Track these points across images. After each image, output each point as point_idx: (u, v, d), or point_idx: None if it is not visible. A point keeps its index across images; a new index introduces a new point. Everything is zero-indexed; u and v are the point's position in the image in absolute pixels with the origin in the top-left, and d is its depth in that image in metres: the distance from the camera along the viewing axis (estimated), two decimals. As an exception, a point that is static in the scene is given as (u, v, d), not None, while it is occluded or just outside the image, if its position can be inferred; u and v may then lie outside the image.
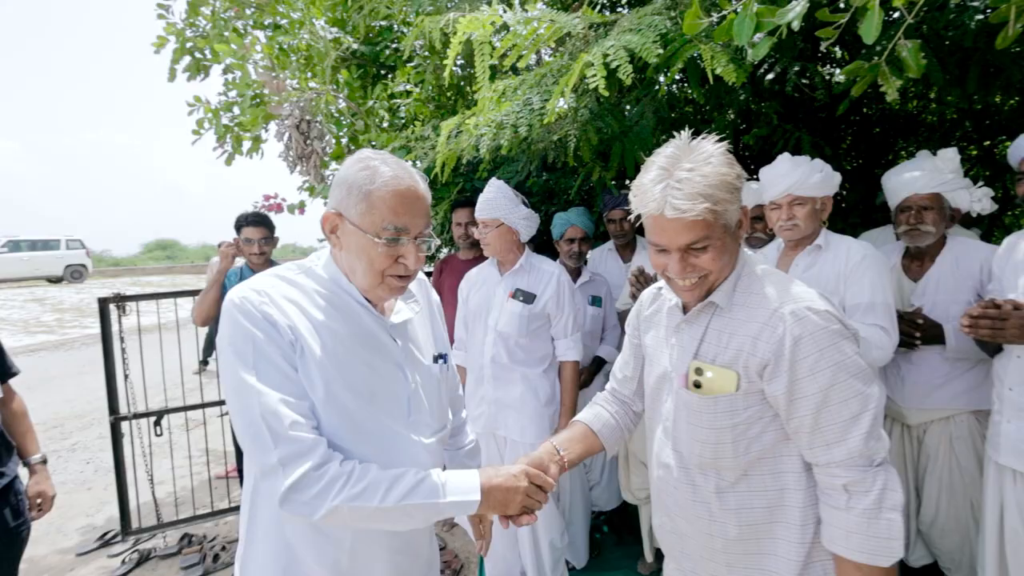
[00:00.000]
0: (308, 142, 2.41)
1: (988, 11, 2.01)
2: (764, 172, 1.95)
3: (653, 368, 1.16)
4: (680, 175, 0.91)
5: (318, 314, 0.95)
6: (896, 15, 2.04)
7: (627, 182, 3.46)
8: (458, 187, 3.01)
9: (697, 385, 1.01)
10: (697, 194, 0.89)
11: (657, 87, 2.71)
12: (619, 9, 3.30)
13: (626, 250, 2.78)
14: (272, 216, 2.84)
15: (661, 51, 1.63)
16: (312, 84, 2.83)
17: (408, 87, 3.13)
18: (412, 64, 3.11)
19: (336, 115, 3.11)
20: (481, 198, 2.13)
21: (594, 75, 1.57)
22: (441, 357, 1.17)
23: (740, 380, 0.97)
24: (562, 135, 2.47)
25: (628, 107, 2.81)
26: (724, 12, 1.38)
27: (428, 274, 3.57)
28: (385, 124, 3.17)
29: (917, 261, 1.93)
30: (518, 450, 2.19)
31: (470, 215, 2.85)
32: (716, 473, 1.03)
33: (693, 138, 0.97)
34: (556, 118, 2.76)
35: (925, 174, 1.83)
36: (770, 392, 0.96)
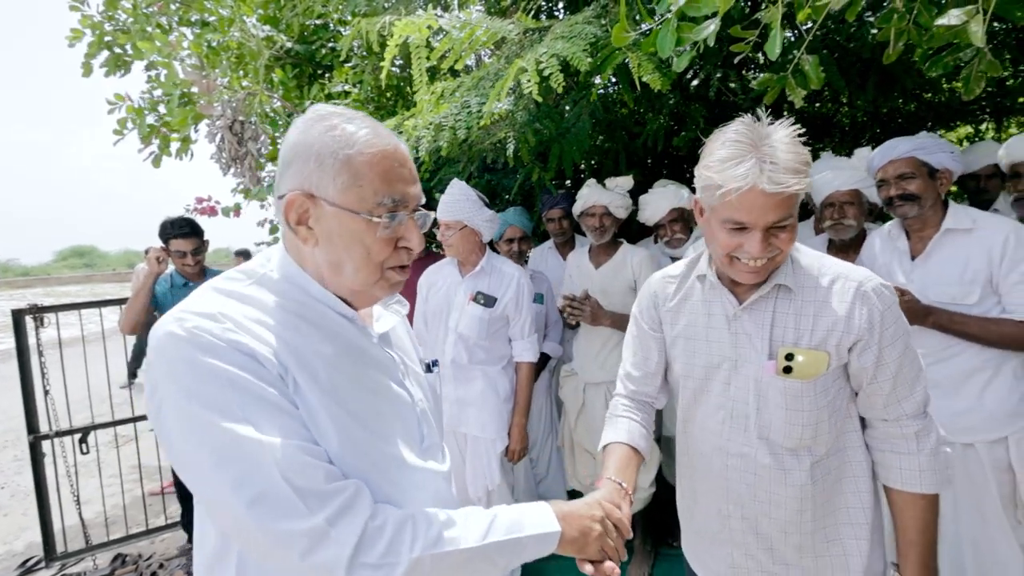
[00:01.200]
0: (242, 143, 2.30)
1: (880, 28, 2.20)
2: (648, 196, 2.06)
3: (693, 358, 1.12)
4: (772, 152, 0.89)
5: (292, 336, 0.71)
6: (808, 25, 2.19)
7: (566, 182, 3.54)
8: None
9: (787, 370, 1.00)
10: (794, 169, 0.88)
11: (588, 92, 2.78)
12: (556, 14, 3.36)
13: (565, 248, 2.84)
14: (206, 220, 2.69)
15: (591, 59, 1.68)
16: (244, 83, 2.70)
17: (346, 87, 3.05)
18: (350, 64, 3.03)
19: (271, 115, 2.98)
20: (443, 200, 2.11)
21: (528, 80, 1.59)
22: (433, 363, 1.00)
23: (831, 359, 0.99)
24: (501, 137, 2.50)
25: (568, 108, 2.87)
26: (649, 26, 1.44)
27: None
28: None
29: (842, 253, 2.05)
30: (479, 446, 2.21)
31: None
32: (809, 451, 1.02)
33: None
34: (495, 120, 2.78)
35: (845, 172, 1.94)
36: (859, 365, 1.00)
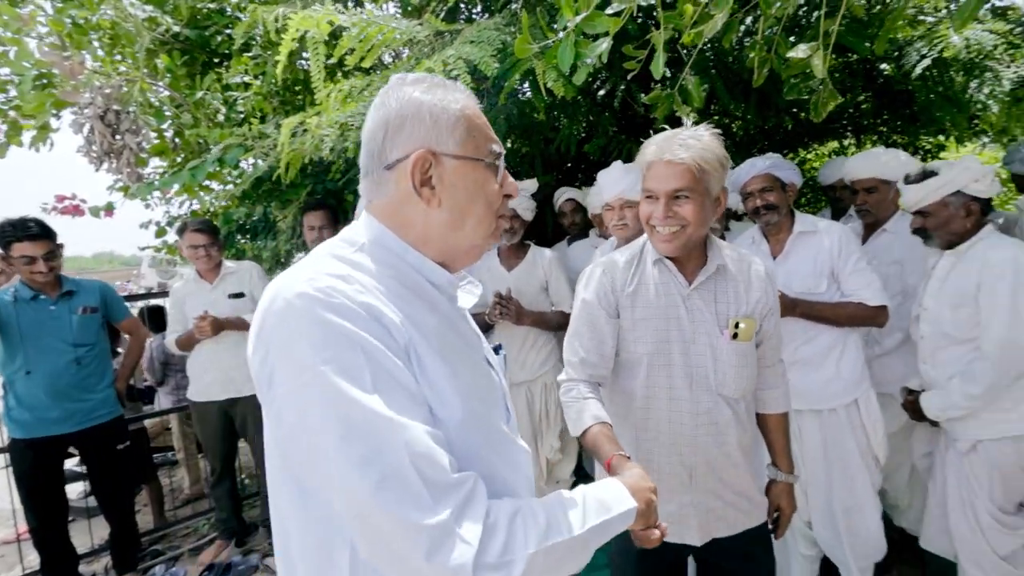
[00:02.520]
0: (118, 136, 2.10)
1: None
2: (600, 176, 2.17)
3: (656, 335, 1.28)
4: (682, 138, 1.17)
5: (406, 305, 0.69)
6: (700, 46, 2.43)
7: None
8: (307, 189, 2.87)
9: (735, 336, 1.25)
10: (688, 146, 1.15)
11: (499, 95, 2.87)
12: (476, 16, 3.42)
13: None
14: (69, 221, 2.42)
15: (498, 64, 1.75)
16: (122, 69, 2.46)
17: (247, 79, 2.89)
18: (251, 55, 2.87)
19: (157, 106, 2.75)
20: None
21: (434, 84, 1.63)
22: (498, 347, 1.00)
23: (757, 323, 1.28)
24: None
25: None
26: (550, 40, 1.53)
27: (279, 281, 3.34)
28: (220, 118, 2.89)
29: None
30: None
31: (324, 218, 2.73)
32: (744, 398, 1.31)
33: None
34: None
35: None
36: (766, 328, 1.32)
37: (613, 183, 2.07)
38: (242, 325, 2.67)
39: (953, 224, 1.71)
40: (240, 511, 3.05)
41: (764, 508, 1.38)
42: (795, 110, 3.74)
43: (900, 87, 3.04)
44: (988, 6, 2.45)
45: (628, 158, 3.09)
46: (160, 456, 4.15)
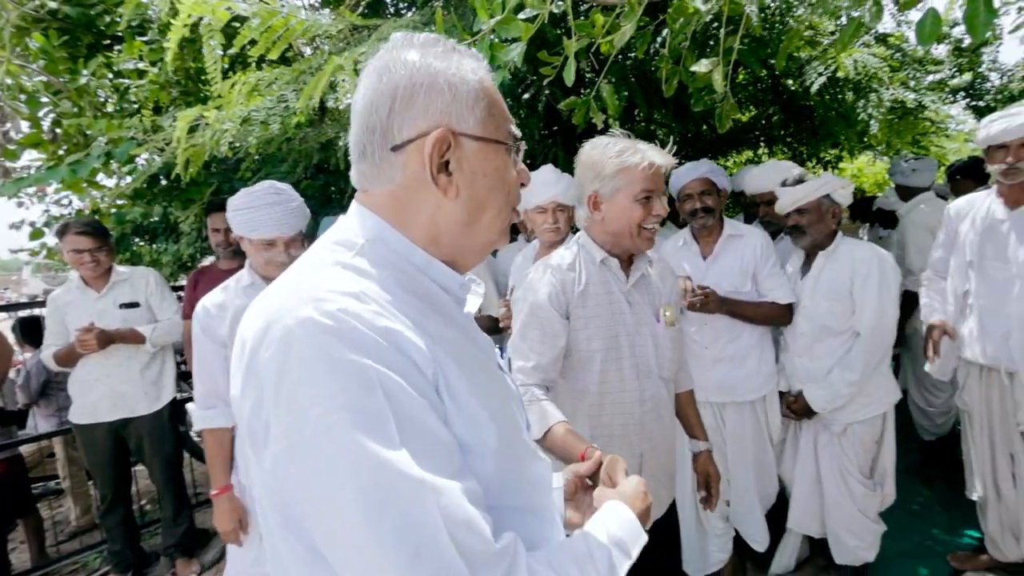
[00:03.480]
0: (-23, 123, 1.85)
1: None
2: (532, 178, 2.18)
3: (606, 331, 1.36)
4: (650, 145, 1.32)
5: (423, 320, 0.59)
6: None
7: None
8: (212, 188, 2.68)
9: (669, 323, 1.41)
10: (666, 156, 1.34)
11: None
12: (403, 12, 3.35)
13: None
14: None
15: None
16: (-17, 47, 2.18)
17: (140, 65, 2.66)
18: (145, 39, 2.65)
19: (31, 91, 2.46)
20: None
21: (345, 79, 1.56)
22: (503, 349, 1.00)
23: (676, 308, 1.47)
24: (331, 136, 2.41)
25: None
26: (467, 42, 1.52)
27: (179, 288, 3.10)
28: (109, 108, 2.64)
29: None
30: None
31: (232, 219, 2.57)
32: (672, 378, 1.48)
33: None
34: (334, 118, 2.66)
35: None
36: (677, 311, 1.50)
37: (546, 186, 2.08)
38: (134, 338, 2.44)
39: (823, 223, 1.94)
40: (137, 541, 2.79)
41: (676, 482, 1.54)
42: (711, 120, 3.98)
43: (803, 102, 3.31)
44: (872, 33, 2.72)
45: (557, 162, 3.15)
46: (41, 486, 3.71)
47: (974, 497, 2.11)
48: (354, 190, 0.67)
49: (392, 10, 3.36)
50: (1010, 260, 1.92)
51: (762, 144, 4.62)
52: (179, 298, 2.83)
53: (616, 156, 1.28)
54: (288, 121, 1.67)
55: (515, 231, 3.06)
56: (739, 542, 2.19)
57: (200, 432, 1.68)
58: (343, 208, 2.93)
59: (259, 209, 1.54)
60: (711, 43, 2.55)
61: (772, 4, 1.98)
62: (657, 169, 1.28)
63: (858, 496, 1.97)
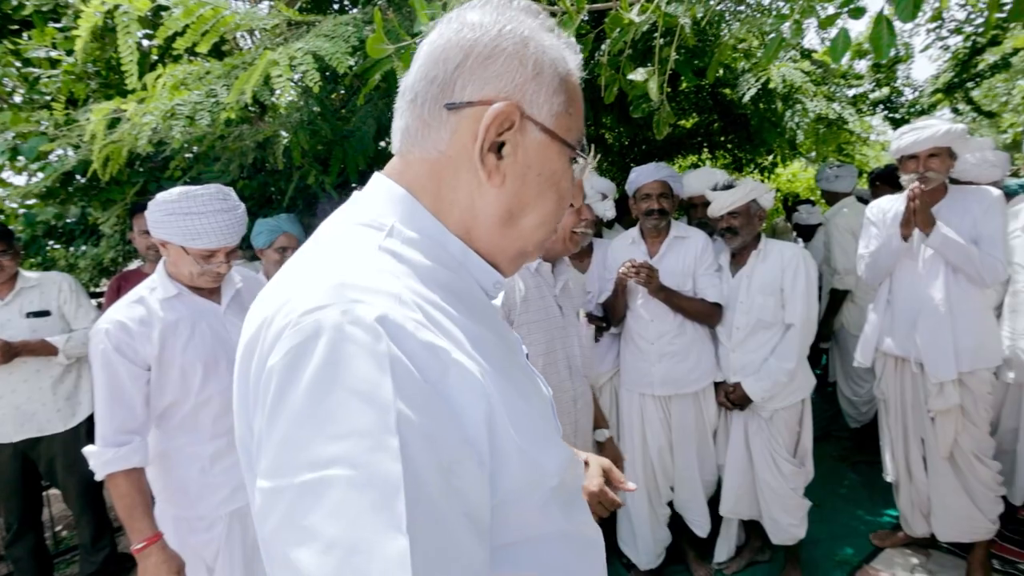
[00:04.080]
0: None
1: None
2: None
3: (544, 335, 1.42)
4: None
5: (471, 327, 0.50)
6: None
7: (355, 186, 3.47)
8: (137, 187, 2.53)
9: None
10: None
11: (371, 95, 2.79)
12: (348, 9, 3.28)
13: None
14: None
15: (354, 62, 1.69)
16: None
17: (55, 54, 2.48)
18: (59, 26, 2.47)
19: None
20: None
21: (280, 76, 1.52)
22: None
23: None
24: (268, 134, 2.33)
25: (345, 110, 2.81)
26: (408, 42, 1.51)
27: (98, 295, 2.89)
28: (17, 99, 2.44)
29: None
30: None
31: (159, 220, 2.44)
32: None
33: None
34: (269, 116, 2.57)
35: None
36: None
37: None
38: (44, 350, 2.26)
39: (752, 225, 2.12)
40: (51, 571, 2.57)
41: None
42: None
43: (739, 111, 3.51)
44: (798, 49, 2.92)
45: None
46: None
47: (889, 479, 2.30)
48: (296, 192, 0.61)
49: (337, 7, 3.29)
50: (917, 258, 2.10)
51: (705, 149, 4.84)
52: (99, 305, 2.65)
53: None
54: (218, 116, 1.61)
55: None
56: (682, 529, 2.32)
57: (107, 478, 1.35)
58: (283, 209, 2.81)
59: (204, 216, 1.36)
60: (651, 52, 2.66)
61: (705, 18, 2.08)
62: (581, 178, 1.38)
63: (788, 475, 2.13)
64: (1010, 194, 2.71)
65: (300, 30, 2.12)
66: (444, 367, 0.43)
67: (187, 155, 2.43)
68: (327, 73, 2.19)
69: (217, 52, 2.46)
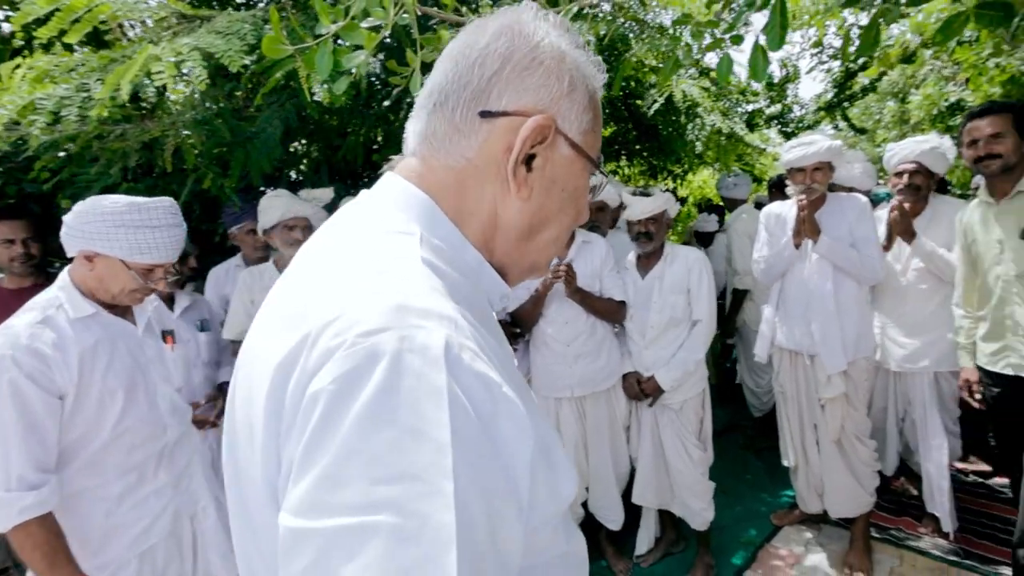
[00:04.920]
0: None
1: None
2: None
3: None
4: None
5: (499, 352, 0.49)
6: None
7: (264, 189, 3.30)
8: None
9: None
10: None
11: (283, 96, 2.67)
12: (255, 4, 3.11)
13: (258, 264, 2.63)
14: None
15: (250, 61, 1.62)
16: None
17: None
18: None
19: None
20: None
21: (160, 72, 1.42)
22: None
23: None
24: (156, 134, 2.17)
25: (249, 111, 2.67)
26: (309, 44, 1.47)
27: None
28: None
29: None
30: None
31: (24, 230, 2.18)
32: None
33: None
34: (161, 112, 2.38)
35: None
36: None
37: None
38: None
39: (663, 230, 2.33)
40: None
41: None
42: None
43: (650, 122, 3.73)
44: (699, 68, 3.16)
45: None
46: None
47: (787, 464, 2.54)
48: (191, 197, 0.56)
49: (242, 1, 3.13)
50: (806, 261, 2.34)
51: (623, 157, 5.09)
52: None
53: None
54: (87, 113, 1.47)
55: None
56: (597, 526, 2.43)
57: (13, 529, 1.18)
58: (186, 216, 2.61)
59: (156, 230, 1.31)
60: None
61: (607, 36, 2.21)
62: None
63: (696, 460, 2.32)
64: (877, 200, 3.10)
65: (193, 24, 2.00)
66: (495, 404, 0.41)
67: (59, 154, 2.19)
68: (224, 71, 2.07)
69: (103, 43, 2.25)
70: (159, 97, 1.67)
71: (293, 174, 3.38)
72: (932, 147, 2.38)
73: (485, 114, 0.51)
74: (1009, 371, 1.95)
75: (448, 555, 0.34)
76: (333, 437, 0.36)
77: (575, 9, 1.57)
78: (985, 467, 3.01)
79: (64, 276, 1.35)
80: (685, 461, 2.31)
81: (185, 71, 1.66)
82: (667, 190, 2.73)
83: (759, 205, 3.71)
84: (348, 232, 0.52)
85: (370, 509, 0.34)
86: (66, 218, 1.29)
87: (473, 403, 0.39)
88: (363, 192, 0.57)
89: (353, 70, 1.56)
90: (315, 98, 1.74)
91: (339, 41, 1.55)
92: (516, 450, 0.41)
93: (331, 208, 2.49)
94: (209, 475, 1.65)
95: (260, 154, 2.59)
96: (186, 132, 2.08)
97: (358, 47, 1.48)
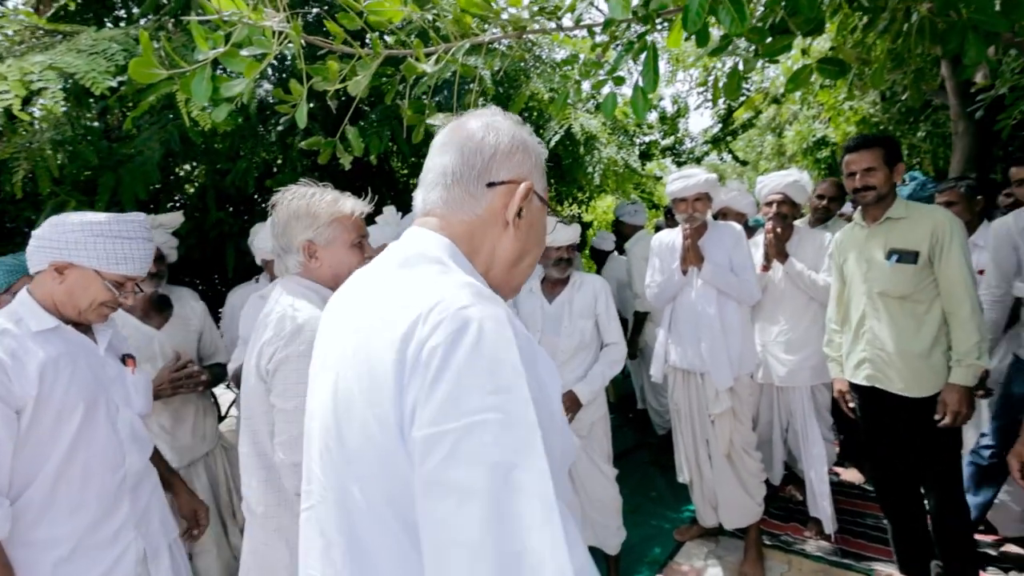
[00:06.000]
0: None
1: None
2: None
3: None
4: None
5: None
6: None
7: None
8: None
9: None
10: None
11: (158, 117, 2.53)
12: (138, 19, 2.92)
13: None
14: None
15: (115, 83, 1.53)
16: None
17: None
18: None
19: None
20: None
21: (5, 92, 1.31)
22: None
23: None
24: (4, 156, 1.96)
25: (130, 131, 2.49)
26: (183, 68, 1.42)
27: None
28: None
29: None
30: None
31: None
32: None
33: None
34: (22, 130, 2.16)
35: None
36: None
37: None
38: None
39: (576, 256, 2.49)
40: None
41: None
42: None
43: (554, 151, 3.94)
44: (593, 103, 3.41)
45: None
46: None
47: (682, 479, 2.71)
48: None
49: (124, 14, 2.93)
50: (692, 283, 2.57)
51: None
52: None
53: (329, 205, 1.38)
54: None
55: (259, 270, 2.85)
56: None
57: None
58: (24, 242, 2.38)
59: (133, 241, 1.37)
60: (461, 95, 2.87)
61: (502, 72, 2.35)
62: (361, 216, 1.44)
63: (609, 477, 2.43)
64: (758, 226, 3.47)
65: (54, 39, 1.86)
66: (534, 353, 0.67)
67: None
68: (91, 93, 1.93)
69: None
70: (5, 119, 1.52)
71: (179, 199, 3.17)
72: (794, 180, 2.73)
73: (491, 184, 0.78)
74: (866, 382, 2.22)
75: (535, 435, 0.57)
76: (450, 371, 0.58)
77: (467, 45, 1.65)
78: (858, 476, 3.37)
79: (23, 294, 1.35)
80: (600, 482, 2.40)
81: (38, 91, 1.54)
82: (574, 215, 2.89)
83: (659, 229, 4.01)
84: (405, 263, 0.74)
85: (483, 411, 0.57)
86: (37, 232, 1.33)
87: (523, 349, 0.63)
88: (404, 238, 0.79)
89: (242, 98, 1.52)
90: (200, 124, 1.66)
91: (226, 69, 1.51)
92: (547, 381, 0.68)
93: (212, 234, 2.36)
94: (165, 517, 1.52)
95: (135, 178, 2.42)
96: (39, 156, 1.89)
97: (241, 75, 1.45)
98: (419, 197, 0.81)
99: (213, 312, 2.85)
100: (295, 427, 1.22)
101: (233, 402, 3.84)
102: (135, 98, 1.76)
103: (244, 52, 1.38)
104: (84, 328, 1.41)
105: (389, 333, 0.64)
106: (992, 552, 2.56)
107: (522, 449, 0.56)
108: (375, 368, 0.65)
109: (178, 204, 3.08)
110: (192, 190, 3.21)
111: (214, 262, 3.14)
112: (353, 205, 1.40)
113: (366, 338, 0.68)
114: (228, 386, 3.07)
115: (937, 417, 2.01)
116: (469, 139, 0.78)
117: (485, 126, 0.80)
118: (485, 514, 0.54)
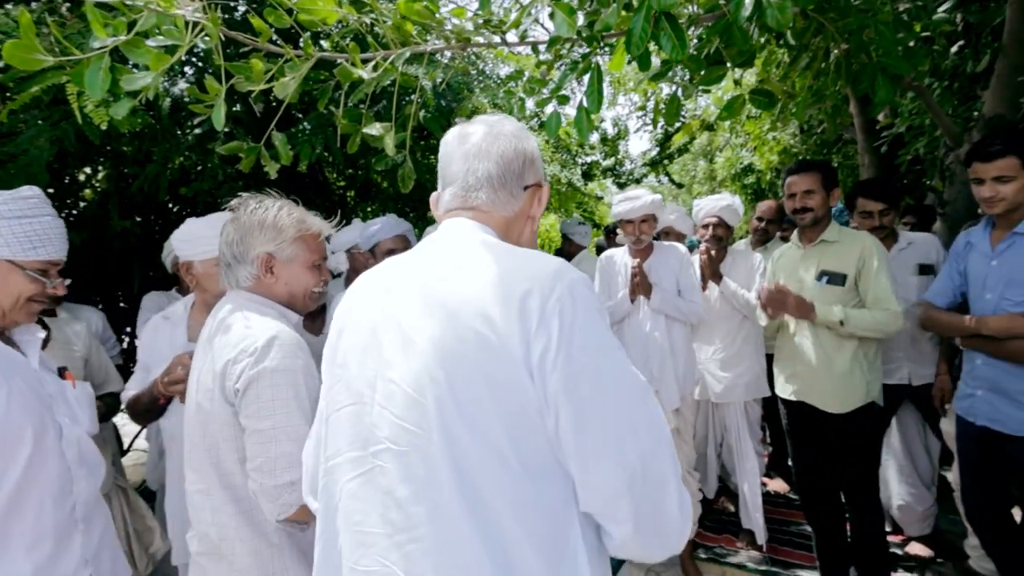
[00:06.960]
0: None
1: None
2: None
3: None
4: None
5: None
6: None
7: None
8: None
9: None
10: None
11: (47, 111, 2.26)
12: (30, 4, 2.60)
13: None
14: None
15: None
16: None
17: None
18: None
19: None
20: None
21: None
22: None
23: None
24: None
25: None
26: (75, 57, 1.24)
27: None
28: None
29: None
30: None
31: None
32: None
33: None
34: None
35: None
36: None
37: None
38: None
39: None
40: None
41: None
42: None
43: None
44: (536, 122, 3.42)
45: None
46: None
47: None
48: None
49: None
50: (640, 308, 2.58)
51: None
52: None
53: (296, 222, 1.30)
54: None
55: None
56: None
57: None
58: None
59: (40, 219, 1.22)
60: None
61: (444, 83, 2.28)
62: (323, 238, 1.38)
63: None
64: (692, 247, 3.59)
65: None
66: (602, 306, 0.82)
67: None
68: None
69: None
70: None
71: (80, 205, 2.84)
72: (728, 204, 2.83)
73: (526, 187, 0.95)
74: (794, 397, 2.32)
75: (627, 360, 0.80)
76: (578, 319, 0.75)
77: (407, 54, 1.57)
78: (784, 486, 3.51)
79: None
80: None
81: None
82: None
83: (600, 249, 4.06)
84: (484, 243, 0.85)
85: (611, 354, 0.77)
86: None
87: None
88: (454, 227, 0.90)
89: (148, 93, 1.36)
90: (96, 120, 1.47)
91: (130, 61, 1.35)
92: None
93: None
94: (117, 559, 1.35)
95: (19, 178, 2.13)
96: None
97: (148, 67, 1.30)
98: (449, 193, 0.93)
99: (117, 332, 2.56)
100: (272, 447, 1.12)
101: (137, 435, 3.47)
102: (16, 89, 1.54)
103: (151, 43, 1.23)
104: (5, 340, 1.23)
105: (506, 292, 0.76)
106: (899, 552, 2.72)
107: (651, 404, 0.78)
108: (494, 323, 0.74)
109: (73, 213, 2.76)
110: (86, 196, 2.89)
111: (117, 277, 2.83)
112: (320, 225, 1.35)
113: (475, 300, 0.76)
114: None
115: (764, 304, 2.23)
116: (508, 147, 0.92)
117: (517, 134, 0.94)
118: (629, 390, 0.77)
